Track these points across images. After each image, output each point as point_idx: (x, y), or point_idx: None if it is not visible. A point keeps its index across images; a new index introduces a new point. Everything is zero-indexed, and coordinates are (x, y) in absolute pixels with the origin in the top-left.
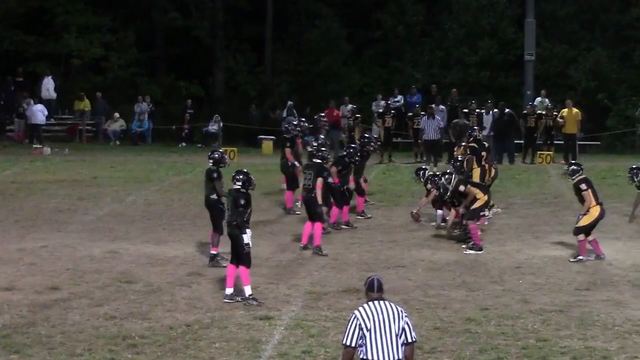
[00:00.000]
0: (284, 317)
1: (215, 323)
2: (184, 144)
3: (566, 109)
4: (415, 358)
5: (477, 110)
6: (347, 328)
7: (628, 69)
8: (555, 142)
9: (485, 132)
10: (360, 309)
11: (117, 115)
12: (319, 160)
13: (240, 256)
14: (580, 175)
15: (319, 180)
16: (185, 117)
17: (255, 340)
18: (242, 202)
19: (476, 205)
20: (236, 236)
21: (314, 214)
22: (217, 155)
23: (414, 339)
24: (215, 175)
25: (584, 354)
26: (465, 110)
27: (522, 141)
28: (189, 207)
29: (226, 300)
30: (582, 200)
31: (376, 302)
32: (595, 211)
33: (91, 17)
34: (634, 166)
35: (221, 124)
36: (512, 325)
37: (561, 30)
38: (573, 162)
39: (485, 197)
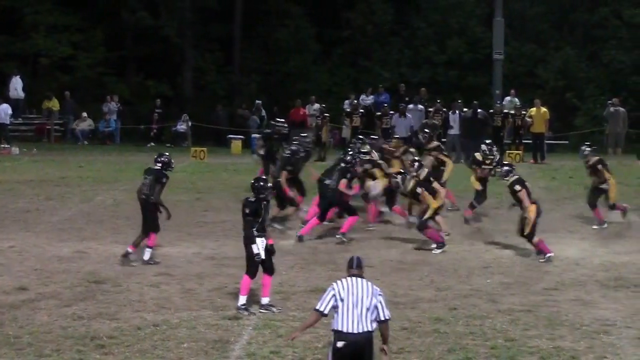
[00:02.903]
0: (252, 317)
1: (184, 323)
2: (152, 143)
3: (534, 108)
4: (383, 357)
5: (444, 110)
6: (323, 296)
7: (596, 68)
8: (524, 141)
9: (453, 132)
10: (338, 281)
11: (85, 114)
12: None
13: (247, 265)
14: (513, 175)
15: (343, 181)
16: (154, 116)
17: (224, 341)
18: (247, 211)
19: (427, 215)
20: (246, 246)
21: (348, 210)
22: (165, 159)
23: (387, 317)
24: (164, 180)
25: (552, 353)
26: (431, 110)
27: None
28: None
29: (240, 310)
30: (518, 200)
31: (354, 277)
32: (532, 210)
33: (60, 16)
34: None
35: (190, 124)
36: (481, 325)
37: (530, 29)
38: (505, 162)
39: (438, 204)
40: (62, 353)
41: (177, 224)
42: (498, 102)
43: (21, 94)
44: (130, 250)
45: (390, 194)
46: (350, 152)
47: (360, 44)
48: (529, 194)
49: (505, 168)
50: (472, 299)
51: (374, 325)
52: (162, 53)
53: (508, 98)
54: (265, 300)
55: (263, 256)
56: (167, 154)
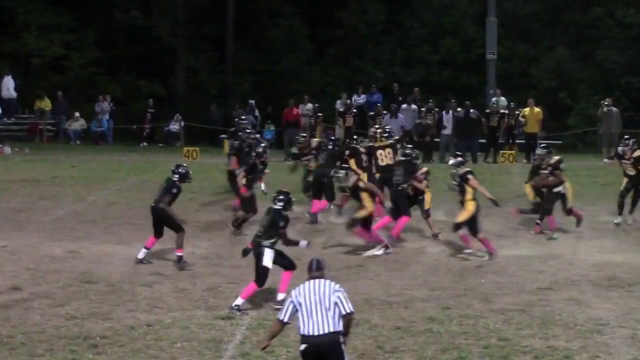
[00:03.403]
0: (246, 317)
1: (177, 323)
2: (145, 143)
3: (528, 108)
4: (376, 357)
5: (436, 109)
6: (284, 305)
7: (589, 68)
8: (517, 141)
9: (446, 132)
10: (297, 287)
11: (77, 114)
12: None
13: (257, 274)
14: (465, 167)
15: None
16: (146, 116)
17: (217, 340)
18: (282, 224)
19: (359, 214)
20: (258, 254)
21: (403, 208)
22: (183, 170)
23: (348, 311)
24: (175, 191)
25: (546, 353)
26: (423, 109)
27: (484, 141)
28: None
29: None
30: (462, 192)
31: (313, 280)
32: (471, 206)
33: (52, 16)
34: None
35: (182, 124)
36: (474, 324)
37: (523, 29)
38: (458, 153)
39: (371, 209)
40: (55, 353)
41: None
42: (494, 103)
43: (13, 94)
44: (179, 254)
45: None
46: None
47: (353, 43)
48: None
49: (459, 159)
50: (465, 299)
51: (340, 324)
52: (154, 53)
53: (494, 98)
54: (281, 296)
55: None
56: (184, 165)
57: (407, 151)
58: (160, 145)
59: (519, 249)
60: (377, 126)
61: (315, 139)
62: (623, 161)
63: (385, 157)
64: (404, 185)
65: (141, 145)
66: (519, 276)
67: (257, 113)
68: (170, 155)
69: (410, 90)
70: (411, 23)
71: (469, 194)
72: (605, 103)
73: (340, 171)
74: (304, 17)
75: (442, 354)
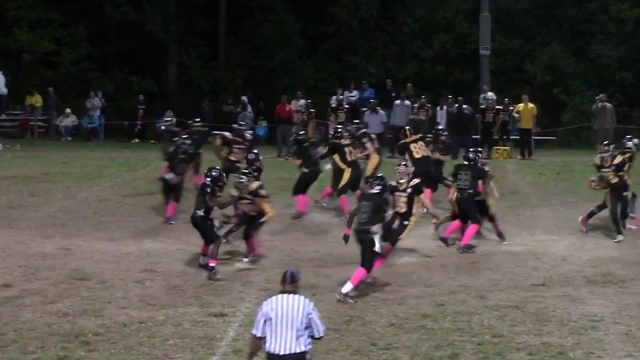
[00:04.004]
0: (239, 313)
1: (169, 320)
2: (137, 140)
3: (522, 104)
4: (370, 354)
5: (428, 105)
6: (256, 319)
7: (583, 63)
8: (512, 137)
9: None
10: (268, 300)
11: (68, 110)
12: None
13: (365, 260)
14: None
15: (479, 183)
16: (138, 112)
17: (210, 337)
18: (386, 207)
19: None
20: (367, 241)
21: (472, 215)
22: (215, 173)
23: (321, 334)
24: (209, 190)
25: (540, 349)
26: (416, 105)
27: (478, 137)
28: (142, 204)
29: (340, 298)
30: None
31: (286, 294)
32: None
33: (42, 11)
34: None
35: (174, 120)
36: (468, 321)
37: (516, 24)
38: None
39: (272, 214)
40: (47, 350)
41: (161, 221)
42: (490, 99)
43: (4, 90)
44: (212, 264)
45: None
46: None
47: (345, 39)
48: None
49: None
50: (459, 295)
51: (308, 345)
52: (146, 48)
53: (482, 94)
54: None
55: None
56: (217, 168)
57: (470, 155)
58: (152, 141)
59: (512, 245)
60: (339, 126)
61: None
62: (603, 170)
63: (419, 150)
64: (470, 191)
65: (133, 141)
66: (513, 272)
67: (249, 109)
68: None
69: (403, 86)
70: (404, 18)
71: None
72: (599, 99)
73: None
74: (296, 13)
75: (436, 351)
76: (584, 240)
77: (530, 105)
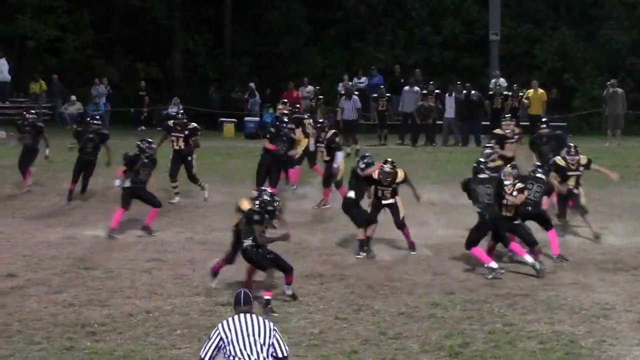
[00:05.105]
0: None
1: (177, 310)
2: (143, 127)
3: (531, 90)
4: (379, 344)
5: (437, 91)
6: (209, 339)
7: (593, 48)
8: (521, 123)
9: (448, 114)
10: (224, 321)
11: (73, 98)
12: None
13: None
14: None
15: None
16: (144, 100)
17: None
18: None
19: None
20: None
21: (545, 222)
22: (266, 198)
23: (285, 354)
24: (256, 217)
25: (551, 338)
26: (425, 92)
27: (488, 123)
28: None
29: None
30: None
31: (242, 315)
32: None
33: None
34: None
35: (181, 107)
36: (479, 309)
37: (526, 9)
38: (488, 144)
39: None
40: (53, 340)
41: (168, 209)
42: (499, 84)
43: (7, 77)
44: (267, 297)
45: None
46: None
47: (353, 25)
48: None
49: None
50: (469, 283)
51: None
52: (150, 35)
53: (493, 80)
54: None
55: None
56: (267, 190)
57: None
58: (159, 129)
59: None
60: (310, 120)
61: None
62: (570, 173)
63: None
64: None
65: (139, 129)
66: (523, 260)
67: (258, 96)
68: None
69: (411, 72)
70: (412, 4)
71: None
72: (611, 84)
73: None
74: None
75: (446, 340)
76: (595, 227)
77: (540, 91)
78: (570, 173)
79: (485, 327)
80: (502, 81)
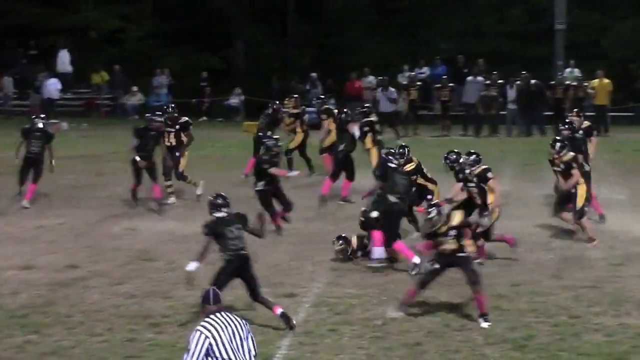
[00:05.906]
0: (309, 294)
1: (239, 301)
2: (204, 118)
3: (597, 80)
4: (444, 335)
5: (500, 81)
6: (193, 346)
7: None
8: (587, 113)
9: (511, 105)
10: (205, 324)
11: (135, 89)
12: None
13: None
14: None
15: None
16: (205, 90)
17: None
18: None
19: None
20: None
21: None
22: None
23: (256, 352)
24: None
25: (617, 330)
26: (488, 82)
27: (551, 112)
28: (210, 183)
29: None
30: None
31: (218, 314)
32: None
33: None
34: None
35: (242, 98)
36: (544, 301)
37: None
38: (471, 151)
39: None
40: (115, 332)
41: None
42: (560, 73)
43: (69, 68)
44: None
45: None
46: None
47: (417, 13)
48: None
49: (473, 157)
50: (535, 275)
51: None
52: (213, 25)
53: (568, 69)
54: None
55: None
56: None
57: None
58: (220, 120)
59: (588, 224)
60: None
61: None
62: (554, 168)
63: None
64: None
65: (200, 119)
66: (588, 252)
67: (319, 87)
68: (230, 130)
69: (474, 62)
70: None
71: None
72: None
73: None
74: None
75: (511, 332)
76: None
77: (606, 80)
78: (554, 168)
79: (550, 320)
80: (576, 71)
